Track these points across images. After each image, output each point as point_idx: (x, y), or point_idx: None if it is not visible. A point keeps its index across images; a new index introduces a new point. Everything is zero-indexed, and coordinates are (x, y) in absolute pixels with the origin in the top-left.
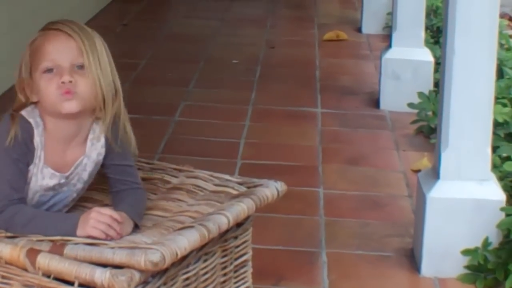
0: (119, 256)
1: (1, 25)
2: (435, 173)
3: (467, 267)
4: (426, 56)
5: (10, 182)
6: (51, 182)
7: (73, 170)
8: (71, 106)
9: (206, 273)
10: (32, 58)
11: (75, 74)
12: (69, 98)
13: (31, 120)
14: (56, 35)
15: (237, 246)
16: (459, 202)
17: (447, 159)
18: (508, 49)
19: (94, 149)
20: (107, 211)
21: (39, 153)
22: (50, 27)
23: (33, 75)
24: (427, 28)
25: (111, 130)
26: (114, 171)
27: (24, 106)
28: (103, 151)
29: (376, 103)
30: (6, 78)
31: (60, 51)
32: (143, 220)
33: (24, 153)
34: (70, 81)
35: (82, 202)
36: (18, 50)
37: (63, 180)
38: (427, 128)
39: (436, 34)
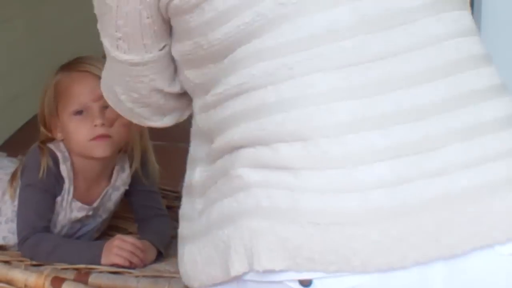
0: (143, 285)
1: (26, 54)
2: None
3: None
4: None
5: (36, 211)
6: (79, 214)
7: (99, 201)
8: (104, 151)
9: None
10: (58, 99)
11: (106, 117)
12: (103, 143)
13: (58, 154)
14: (84, 76)
15: None
16: None
17: None
18: None
19: (120, 179)
20: (130, 238)
21: (67, 186)
22: (77, 69)
23: (60, 115)
24: None
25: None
26: (139, 198)
27: (49, 139)
28: (128, 181)
29: None
30: (29, 106)
31: (89, 93)
32: (167, 248)
33: (52, 184)
34: (103, 124)
35: (107, 230)
36: (41, 79)
37: (91, 212)
38: None
39: None
